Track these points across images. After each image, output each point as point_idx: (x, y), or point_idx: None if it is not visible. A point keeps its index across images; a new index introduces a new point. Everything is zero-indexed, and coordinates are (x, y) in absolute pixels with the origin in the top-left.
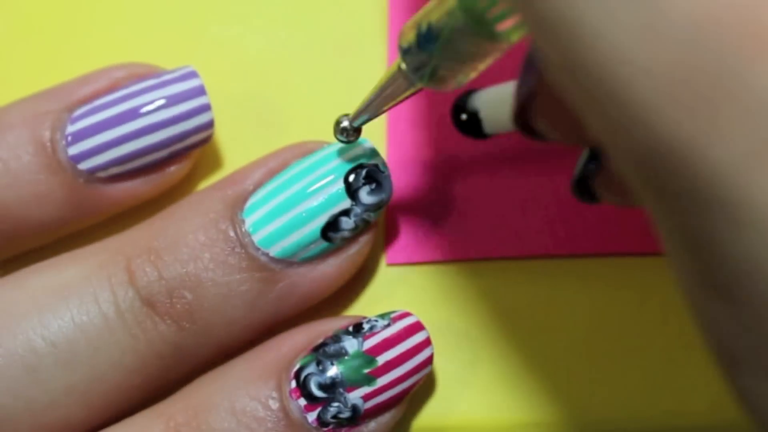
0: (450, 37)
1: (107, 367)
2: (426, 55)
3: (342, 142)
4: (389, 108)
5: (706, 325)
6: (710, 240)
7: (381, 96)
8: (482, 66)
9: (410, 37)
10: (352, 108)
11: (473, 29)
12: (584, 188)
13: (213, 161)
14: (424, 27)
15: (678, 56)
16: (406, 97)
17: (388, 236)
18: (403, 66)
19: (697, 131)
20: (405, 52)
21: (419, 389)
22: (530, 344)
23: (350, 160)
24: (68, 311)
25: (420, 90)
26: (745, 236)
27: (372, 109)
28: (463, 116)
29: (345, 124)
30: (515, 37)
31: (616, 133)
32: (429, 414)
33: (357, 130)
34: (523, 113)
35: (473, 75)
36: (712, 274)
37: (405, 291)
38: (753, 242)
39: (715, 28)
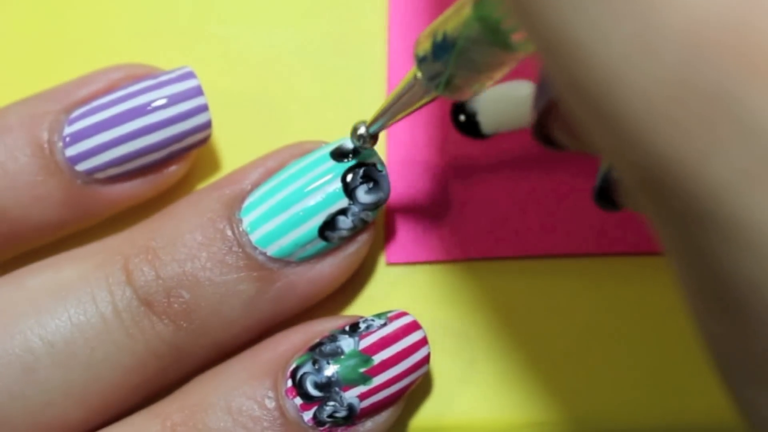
0: (465, 47)
1: (105, 367)
2: (441, 64)
3: (359, 148)
4: (405, 115)
5: (708, 338)
6: (709, 257)
7: (397, 103)
8: (498, 75)
9: (426, 45)
10: (351, 108)
11: (488, 39)
12: (606, 196)
13: (211, 161)
14: (439, 36)
15: (672, 76)
16: (422, 105)
17: (387, 236)
18: (419, 75)
19: (693, 151)
20: (421, 61)
21: (417, 389)
22: (529, 344)
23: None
24: (66, 311)
25: (436, 98)
26: (742, 256)
27: (388, 116)
28: (463, 117)
29: (362, 130)
30: (530, 48)
31: (617, 151)
32: (427, 414)
33: (374, 137)
34: (541, 124)
35: (489, 84)
36: (711, 290)
37: (404, 291)
38: (749, 262)
39: (710, 48)
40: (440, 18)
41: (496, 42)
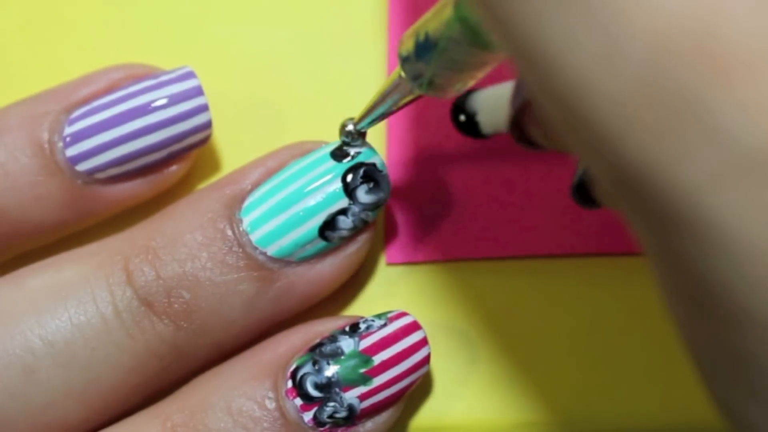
0: (446, 47)
1: (105, 367)
2: (423, 64)
3: (347, 145)
4: (392, 113)
5: (687, 341)
6: (684, 259)
7: (383, 102)
8: (480, 74)
9: (409, 45)
10: (351, 108)
11: (469, 39)
12: (584, 193)
13: (211, 162)
14: (421, 36)
15: (639, 80)
16: (407, 103)
17: (387, 236)
18: (402, 74)
19: (662, 155)
20: (404, 61)
21: (417, 389)
22: (529, 344)
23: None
24: (66, 311)
25: (420, 97)
26: (714, 257)
27: (374, 113)
28: (462, 117)
29: (350, 127)
30: None
31: (589, 154)
32: (427, 414)
33: (362, 134)
34: (518, 124)
35: (471, 83)
36: (687, 292)
37: (404, 291)
38: (721, 263)
39: (674, 53)
40: (422, 18)
41: (477, 42)
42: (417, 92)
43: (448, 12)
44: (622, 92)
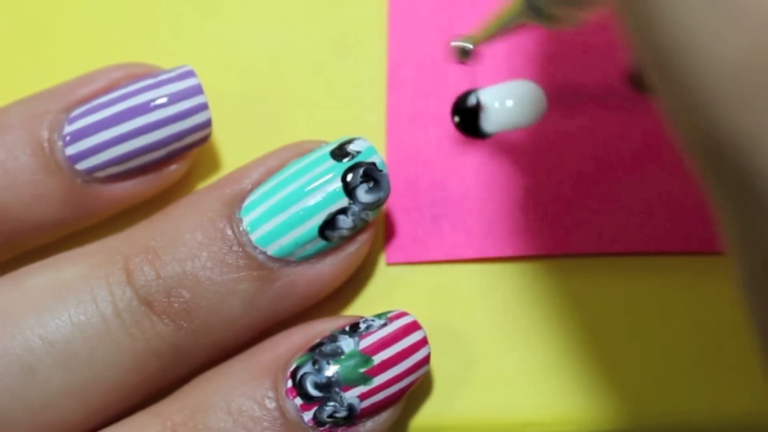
0: None
1: (105, 367)
2: None
3: (460, 62)
4: (504, 34)
5: (759, 320)
6: (764, 236)
7: (501, 23)
8: (594, 9)
9: None
10: (351, 108)
11: None
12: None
13: (211, 161)
14: None
15: (752, 48)
16: (519, 27)
17: (387, 236)
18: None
19: (759, 123)
20: None
21: (417, 389)
22: (529, 344)
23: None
24: (66, 311)
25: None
26: None
27: (490, 32)
28: (462, 117)
29: (467, 45)
30: None
31: (686, 121)
32: (427, 414)
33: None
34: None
35: (583, 18)
36: (765, 270)
37: (404, 291)
38: None
39: None
40: None
41: None
42: (529, 20)
43: None
44: (734, 57)
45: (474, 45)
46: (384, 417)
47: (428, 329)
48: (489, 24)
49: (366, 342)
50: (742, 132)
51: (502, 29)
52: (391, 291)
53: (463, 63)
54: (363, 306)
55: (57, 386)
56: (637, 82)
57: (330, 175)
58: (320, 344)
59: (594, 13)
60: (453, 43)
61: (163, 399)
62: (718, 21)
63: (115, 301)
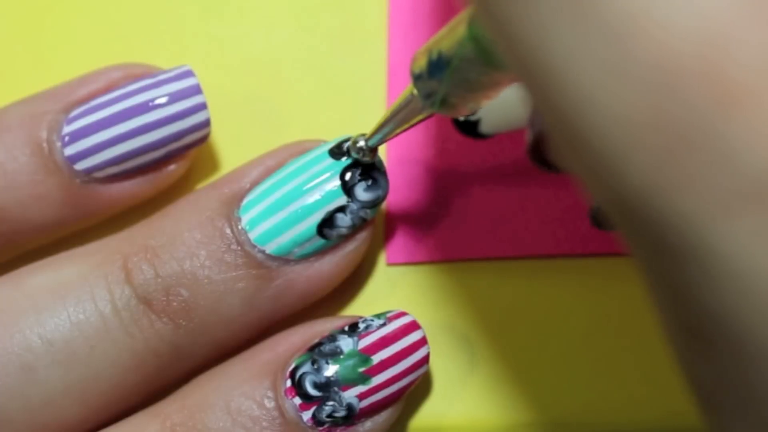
0: (460, 66)
1: (104, 366)
2: (436, 82)
3: (358, 161)
4: (403, 130)
5: (684, 364)
6: (686, 288)
7: (395, 118)
8: (494, 94)
9: (422, 63)
10: (351, 108)
11: (482, 59)
12: (601, 217)
13: (210, 161)
14: (434, 54)
15: (646, 103)
16: (420, 121)
17: (387, 236)
18: (415, 92)
19: (667, 180)
20: (416, 78)
21: (417, 389)
22: (529, 344)
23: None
24: (65, 310)
25: (432, 115)
26: (720, 286)
27: (386, 130)
28: (462, 117)
29: (361, 143)
30: None
31: (590, 177)
32: (427, 414)
33: (373, 150)
34: (537, 146)
35: (485, 103)
36: (689, 320)
37: (405, 291)
38: (724, 292)
39: (684, 76)
40: (436, 36)
41: (490, 62)
42: (429, 110)
43: (461, 30)
44: (627, 114)
45: (368, 141)
46: (383, 417)
47: (428, 329)
48: (385, 117)
49: (365, 342)
50: (647, 189)
51: (395, 122)
52: (391, 291)
53: (363, 162)
54: (363, 306)
55: (56, 385)
56: (536, 157)
57: (328, 174)
58: (319, 344)
59: (491, 98)
60: (354, 140)
61: (163, 399)
62: (610, 76)
63: (114, 300)
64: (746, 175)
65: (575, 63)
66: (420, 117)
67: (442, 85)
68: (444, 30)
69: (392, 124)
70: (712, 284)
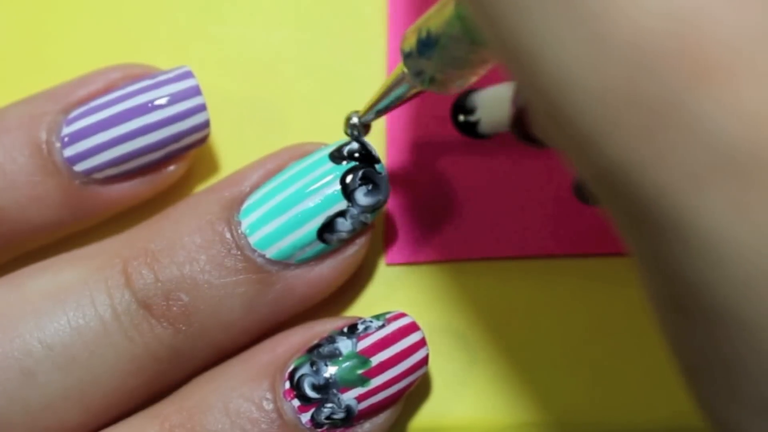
0: (447, 44)
1: (104, 370)
2: (425, 60)
3: (351, 137)
4: (395, 107)
5: (668, 336)
6: (666, 259)
7: (386, 96)
8: (481, 71)
9: (411, 41)
10: (351, 108)
11: (469, 37)
12: (584, 192)
13: (210, 164)
14: (423, 33)
15: (622, 81)
16: (410, 98)
17: (387, 236)
18: (405, 69)
19: (644, 155)
20: (406, 56)
21: (416, 390)
22: (529, 345)
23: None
24: (65, 314)
25: (422, 92)
26: (696, 257)
27: (378, 107)
28: (462, 117)
29: (354, 120)
30: None
31: (572, 152)
32: (426, 415)
33: (366, 126)
34: (519, 120)
35: (473, 79)
36: (669, 291)
37: (404, 291)
38: (703, 263)
39: (657, 54)
40: (424, 15)
41: (477, 40)
42: (419, 87)
43: (449, 10)
44: (604, 91)
45: (361, 118)
46: (382, 418)
47: (428, 330)
48: (376, 94)
49: (364, 343)
50: (625, 164)
51: (388, 99)
52: (391, 291)
53: (355, 138)
54: (363, 307)
55: (56, 390)
56: (518, 131)
57: (329, 178)
58: (318, 345)
59: (479, 75)
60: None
61: (162, 401)
62: (587, 54)
63: (114, 304)
64: (717, 149)
65: (554, 41)
66: (410, 93)
67: (430, 62)
68: (433, 9)
69: (385, 102)
70: (689, 256)
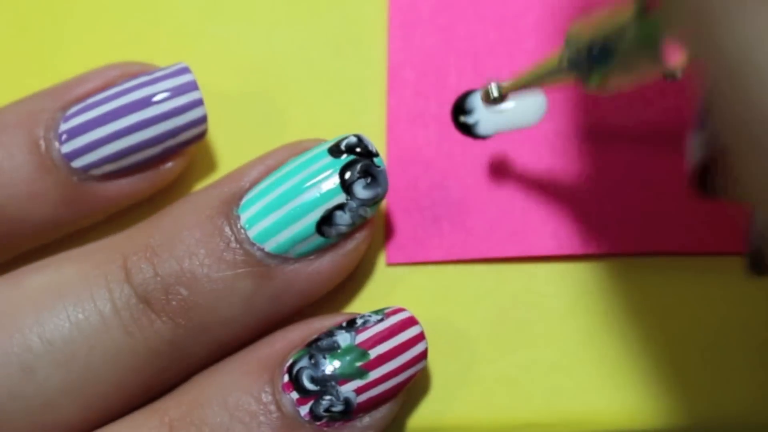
0: (622, 51)
1: (104, 366)
2: (593, 63)
3: (486, 103)
4: (536, 88)
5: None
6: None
7: (535, 79)
8: (646, 80)
9: (581, 40)
10: (350, 108)
11: (646, 56)
12: (759, 263)
13: (210, 162)
14: (597, 37)
15: None
16: (554, 84)
17: (388, 236)
18: (565, 64)
19: None
20: (572, 54)
21: (416, 389)
22: (528, 344)
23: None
24: (65, 310)
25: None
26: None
27: (521, 83)
28: (462, 117)
29: (494, 90)
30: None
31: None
32: (426, 414)
33: (503, 96)
34: (703, 171)
35: (629, 86)
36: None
37: (405, 291)
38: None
39: None
40: (601, 17)
41: (653, 59)
42: (572, 82)
43: (627, 17)
44: None
45: (502, 92)
46: (381, 412)
47: (428, 329)
48: (525, 75)
49: (362, 336)
50: None
51: (538, 82)
52: (391, 291)
53: (486, 104)
54: (363, 306)
55: (56, 385)
56: (700, 184)
57: (327, 172)
58: (317, 339)
59: (641, 82)
60: (486, 86)
61: (162, 396)
62: None
63: (114, 299)
64: None
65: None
66: (557, 82)
67: (598, 67)
68: (609, 13)
69: (530, 81)
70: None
